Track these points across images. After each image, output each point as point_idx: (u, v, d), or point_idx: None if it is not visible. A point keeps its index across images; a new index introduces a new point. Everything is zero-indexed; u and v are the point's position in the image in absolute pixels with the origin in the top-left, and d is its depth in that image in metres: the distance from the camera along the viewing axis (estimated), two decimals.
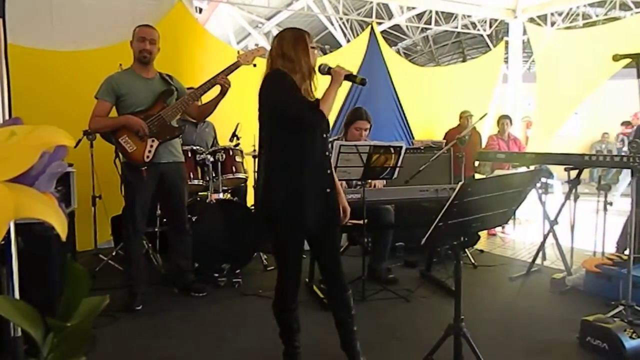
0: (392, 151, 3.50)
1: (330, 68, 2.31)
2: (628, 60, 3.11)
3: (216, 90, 3.37)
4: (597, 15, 9.94)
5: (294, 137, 2.21)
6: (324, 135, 2.31)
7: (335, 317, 2.48)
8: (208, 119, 4.55)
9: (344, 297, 2.41)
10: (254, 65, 3.39)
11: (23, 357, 1.16)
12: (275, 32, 13.82)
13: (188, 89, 3.60)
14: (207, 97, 3.53)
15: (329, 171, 2.32)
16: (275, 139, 2.26)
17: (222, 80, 3.30)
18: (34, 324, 0.46)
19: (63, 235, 0.43)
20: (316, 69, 2.30)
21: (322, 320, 2.54)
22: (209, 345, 2.85)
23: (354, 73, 2.32)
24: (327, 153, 2.33)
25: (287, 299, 2.38)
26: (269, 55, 2.33)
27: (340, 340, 2.53)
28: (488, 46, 12.86)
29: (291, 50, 2.24)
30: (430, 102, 7.32)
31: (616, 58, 3.00)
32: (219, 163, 4.10)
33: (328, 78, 2.30)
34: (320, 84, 2.34)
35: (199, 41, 5.55)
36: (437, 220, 1.97)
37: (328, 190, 2.30)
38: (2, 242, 1.24)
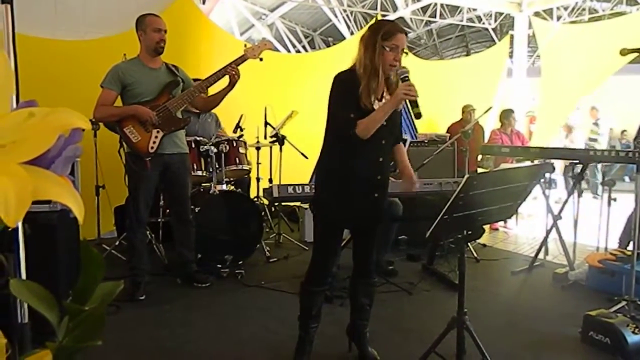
0: None
1: (404, 79, 2.14)
2: (634, 56, 3.09)
3: (222, 82, 3.35)
4: (603, 10, 9.88)
5: (347, 140, 2.22)
6: (383, 142, 2.28)
7: (353, 303, 2.56)
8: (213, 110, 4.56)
9: (370, 283, 2.53)
10: (261, 59, 3.38)
11: (30, 343, 1.17)
12: (279, 23, 13.79)
13: (193, 80, 3.59)
14: (212, 90, 3.52)
15: (379, 177, 2.31)
16: (332, 138, 2.31)
17: (232, 70, 3.27)
18: (50, 307, 0.46)
19: (80, 218, 0.43)
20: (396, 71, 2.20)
21: (323, 311, 2.54)
22: (212, 335, 2.87)
23: (417, 102, 2.11)
24: (380, 159, 2.30)
25: (314, 282, 2.43)
26: None
27: (350, 326, 2.59)
28: (492, 40, 12.80)
29: (363, 40, 2.21)
30: (434, 95, 7.29)
31: (624, 52, 2.98)
32: (223, 154, 4.09)
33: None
34: None
35: (203, 32, 5.53)
36: (443, 213, 1.96)
37: (376, 195, 2.32)
38: (9, 230, 1.24)
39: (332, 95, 2.25)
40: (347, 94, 2.17)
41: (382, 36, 2.14)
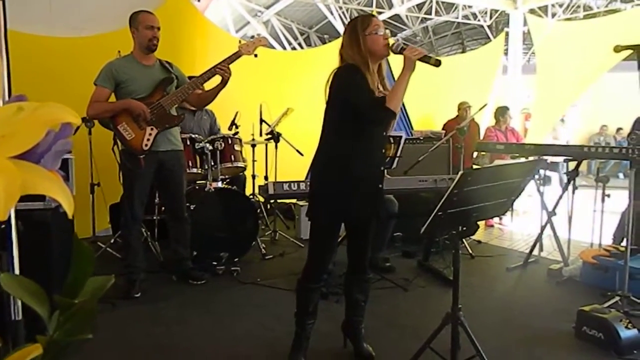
0: (392, 141, 3.50)
1: (403, 48, 2.20)
2: (628, 52, 3.11)
3: (217, 78, 3.35)
4: (598, 7, 9.92)
5: (355, 132, 2.26)
6: (384, 133, 2.36)
7: (348, 299, 2.57)
8: (208, 107, 4.54)
9: (364, 280, 2.54)
10: (255, 56, 3.37)
11: (23, 340, 1.17)
12: (274, 20, 13.77)
13: (188, 77, 3.58)
14: (208, 86, 3.51)
15: (382, 168, 2.40)
16: (337, 131, 2.31)
17: (222, 70, 3.27)
18: (40, 301, 0.46)
19: (70, 212, 0.43)
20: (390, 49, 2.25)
21: (319, 308, 2.55)
22: (207, 332, 2.87)
23: (427, 55, 2.20)
24: (383, 150, 2.39)
25: (312, 279, 2.43)
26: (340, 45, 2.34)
27: (345, 322, 2.60)
28: (488, 37, 12.82)
29: (346, 44, 2.27)
30: (430, 92, 7.30)
31: (617, 49, 2.99)
32: (218, 151, 4.09)
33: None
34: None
35: (198, 29, 5.51)
36: (437, 209, 1.97)
37: (380, 186, 2.39)
38: (3, 226, 1.24)
39: (344, 83, 2.24)
40: (360, 80, 2.20)
41: (361, 28, 2.23)
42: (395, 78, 2.25)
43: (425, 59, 2.19)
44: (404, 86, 2.20)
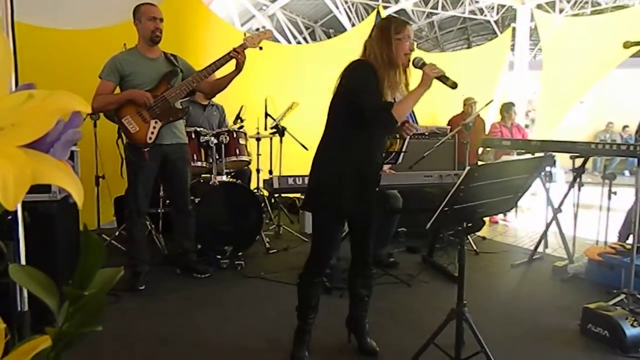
0: (397, 136, 3.48)
1: (424, 64, 2.25)
2: (636, 49, 3.08)
3: (226, 68, 3.33)
4: (606, 3, 9.83)
5: (358, 130, 2.27)
6: (385, 137, 2.42)
7: (352, 294, 2.58)
8: (218, 101, 4.53)
9: (367, 275, 2.54)
10: (260, 48, 3.35)
11: (29, 331, 1.17)
12: (279, 14, 13.71)
13: None
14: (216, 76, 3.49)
15: (379, 170, 2.43)
16: (341, 126, 2.31)
17: (237, 53, 3.22)
18: (50, 292, 0.46)
19: (80, 202, 0.42)
20: (410, 61, 2.27)
21: (323, 303, 2.55)
22: (211, 325, 2.87)
23: (445, 75, 2.22)
24: (380, 153, 2.41)
25: (313, 273, 2.43)
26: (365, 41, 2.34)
27: (350, 317, 2.60)
28: (494, 33, 12.75)
29: (374, 39, 2.27)
30: (435, 88, 7.27)
31: (627, 45, 2.97)
32: (223, 145, 4.08)
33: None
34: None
35: (203, 22, 5.50)
36: (443, 204, 1.96)
37: (377, 189, 2.42)
38: (9, 218, 1.24)
39: (356, 82, 2.24)
40: (373, 80, 2.20)
41: (394, 30, 2.23)
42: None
43: (442, 79, 2.22)
44: (415, 100, 2.23)
